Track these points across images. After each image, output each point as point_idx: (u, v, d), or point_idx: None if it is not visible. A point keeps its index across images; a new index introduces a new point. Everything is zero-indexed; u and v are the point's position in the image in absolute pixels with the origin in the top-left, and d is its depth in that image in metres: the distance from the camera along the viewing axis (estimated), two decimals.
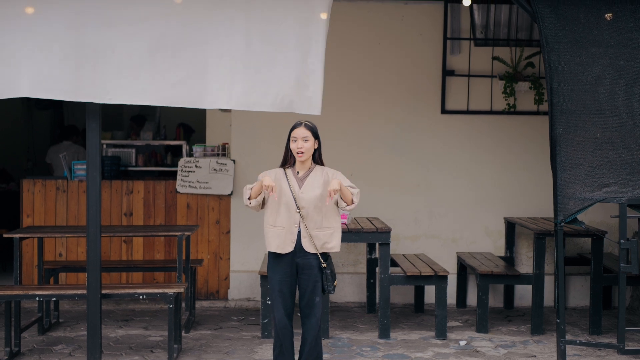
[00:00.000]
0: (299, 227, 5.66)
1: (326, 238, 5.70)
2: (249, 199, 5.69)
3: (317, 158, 5.78)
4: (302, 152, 5.66)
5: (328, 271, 5.68)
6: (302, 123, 5.70)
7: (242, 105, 5.96)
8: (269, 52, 5.93)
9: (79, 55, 5.88)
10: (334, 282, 5.72)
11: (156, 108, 11.68)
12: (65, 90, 5.89)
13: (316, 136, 5.72)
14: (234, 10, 5.95)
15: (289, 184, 5.68)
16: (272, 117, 8.34)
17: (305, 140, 5.66)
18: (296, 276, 5.73)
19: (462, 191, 9.00)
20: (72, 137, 10.66)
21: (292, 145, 5.68)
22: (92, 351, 6.24)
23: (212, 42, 5.93)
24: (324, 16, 5.91)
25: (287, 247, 5.67)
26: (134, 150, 9.97)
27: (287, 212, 5.67)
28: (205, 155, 9.00)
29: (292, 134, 5.69)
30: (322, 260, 5.67)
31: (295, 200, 5.65)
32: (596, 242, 7.60)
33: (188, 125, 10.98)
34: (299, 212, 5.64)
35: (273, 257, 5.74)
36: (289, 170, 5.75)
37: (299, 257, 5.68)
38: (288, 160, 5.76)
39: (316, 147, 5.75)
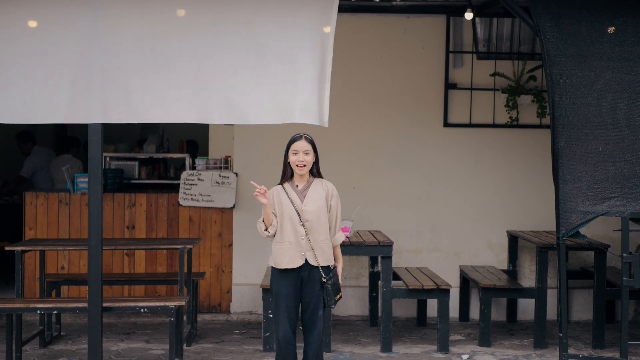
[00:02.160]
0: (305, 241, 5.65)
1: (329, 250, 5.72)
2: (266, 230, 5.70)
3: (314, 171, 5.79)
4: (304, 165, 5.66)
5: (329, 284, 5.67)
6: (302, 136, 5.71)
7: (246, 119, 5.97)
8: (272, 65, 5.93)
9: (88, 77, 5.90)
10: (336, 295, 5.71)
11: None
12: (77, 114, 5.92)
13: (315, 149, 5.73)
14: (237, 24, 5.95)
15: (289, 198, 5.67)
16: (274, 130, 8.35)
17: (307, 154, 5.67)
18: (300, 290, 5.71)
19: (464, 204, 8.99)
20: (72, 149, 10.67)
21: (293, 158, 5.68)
22: None
23: (214, 57, 5.94)
24: (327, 30, 5.93)
25: (297, 261, 5.64)
26: (137, 163, 9.98)
27: (292, 226, 5.66)
28: (207, 168, 9.01)
29: (293, 147, 5.69)
30: (322, 274, 5.67)
31: (298, 214, 5.65)
32: (599, 256, 7.58)
33: (194, 141, 11.00)
34: (303, 225, 5.64)
35: (279, 272, 5.71)
36: (287, 185, 5.75)
37: (304, 270, 5.67)
38: (286, 174, 5.77)
39: (314, 160, 5.75)
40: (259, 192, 5.54)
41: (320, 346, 5.74)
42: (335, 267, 5.80)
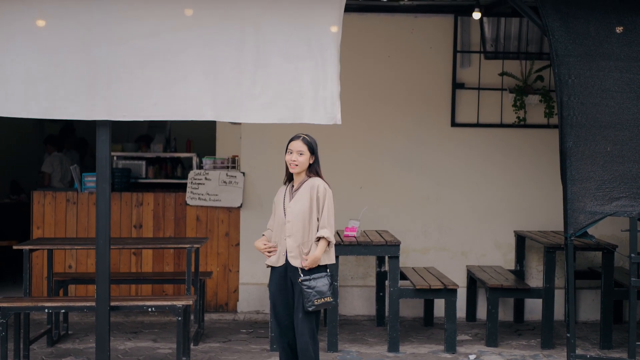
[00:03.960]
0: (286, 240, 5.66)
1: (313, 251, 5.64)
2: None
3: (312, 173, 5.75)
4: (296, 165, 5.68)
5: (304, 286, 5.54)
6: (300, 136, 5.72)
7: (254, 118, 5.98)
8: (279, 64, 5.93)
9: (92, 73, 5.91)
10: (319, 298, 5.52)
11: (166, 120, 11.70)
12: (81, 110, 5.93)
13: (312, 151, 5.71)
14: (244, 23, 5.96)
15: (284, 197, 5.76)
16: (281, 129, 8.36)
17: (300, 154, 5.67)
18: (292, 290, 5.71)
19: (471, 204, 8.98)
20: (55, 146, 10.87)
21: (287, 157, 5.72)
22: None
23: (222, 56, 5.94)
24: (334, 29, 5.93)
25: (279, 261, 5.71)
26: (144, 163, 9.99)
27: (279, 225, 5.72)
28: (215, 168, 9.01)
29: (289, 146, 5.72)
30: (300, 274, 5.61)
31: (284, 214, 5.67)
32: (607, 256, 7.56)
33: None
34: (287, 224, 5.66)
35: (270, 271, 5.81)
36: (289, 185, 5.83)
37: (290, 271, 5.67)
38: (287, 173, 5.81)
39: (311, 162, 5.73)
40: (266, 252, 5.76)
41: (307, 348, 5.62)
42: (329, 271, 5.69)
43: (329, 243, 5.64)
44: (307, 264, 5.57)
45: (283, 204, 5.73)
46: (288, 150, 5.72)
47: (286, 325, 5.73)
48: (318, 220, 5.66)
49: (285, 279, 5.70)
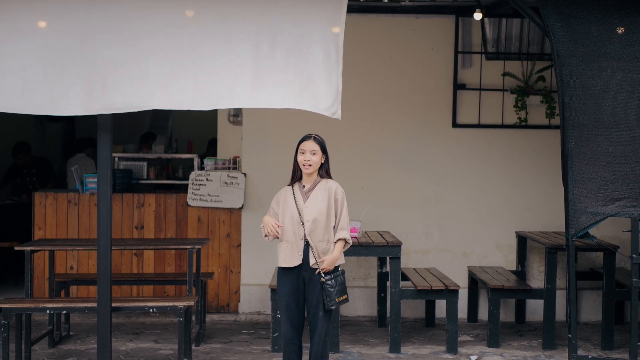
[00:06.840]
0: (304, 241, 5.67)
1: (331, 250, 5.70)
2: (265, 236, 5.75)
3: (323, 172, 5.80)
4: (310, 165, 5.68)
5: (328, 285, 5.63)
6: (311, 136, 5.74)
7: (254, 104, 5.94)
8: (281, 57, 5.93)
9: (91, 69, 5.91)
10: (338, 297, 5.66)
11: (168, 122, 11.72)
12: (78, 106, 5.92)
13: (324, 151, 5.76)
14: (245, 21, 5.96)
15: (294, 198, 5.71)
16: (283, 130, 8.39)
17: (313, 154, 5.69)
18: (304, 290, 5.73)
19: (473, 205, 8.98)
20: (86, 149, 10.74)
21: (300, 158, 5.71)
22: None
23: (222, 54, 5.94)
24: (336, 30, 5.93)
25: (294, 261, 5.69)
26: (145, 164, 9.99)
27: (292, 225, 5.70)
28: (216, 169, 9.01)
29: (301, 147, 5.72)
30: (322, 275, 5.66)
31: (299, 214, 5.67)
32: (608, 257, 7.56)
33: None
34: (303, 225, 5.66)
35: (281, 271, 5.77)
36: (296, 186, 5.80)
37: (305, 270, 5.69)
38: (296, 174, 5.79)
39: (323, 161, 5.77)
40: (273, 232, 5.63)
41: (323, 347, 5.72)
42: (342, 269, 5.78)
43: (344, 244, 5.75)
44: (325, 265, 5.63)
45: (296, 204, 5.71)
46: (300, 151, 5.73)
47: (297, 327, 5.75)
48: (335, 221, 5.74)
49: (298, 279, 5.72)
